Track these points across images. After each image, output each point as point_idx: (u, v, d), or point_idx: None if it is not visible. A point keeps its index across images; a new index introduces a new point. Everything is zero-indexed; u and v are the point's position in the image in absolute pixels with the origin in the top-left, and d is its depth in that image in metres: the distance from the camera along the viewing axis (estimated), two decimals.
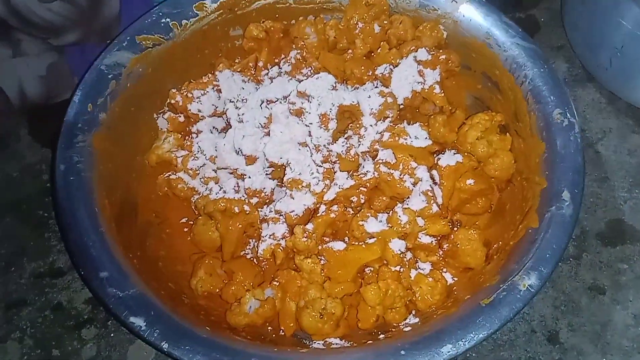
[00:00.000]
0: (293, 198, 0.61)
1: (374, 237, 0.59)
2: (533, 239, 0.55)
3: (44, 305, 0.66)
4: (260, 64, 0.70)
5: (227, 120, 0.67)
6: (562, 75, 0.79)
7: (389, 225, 0.58)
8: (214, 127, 0.68)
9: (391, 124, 0.64)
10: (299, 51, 0.69)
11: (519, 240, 0.56)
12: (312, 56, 0.69)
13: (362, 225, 0.58)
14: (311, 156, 0.63)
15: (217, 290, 0.60)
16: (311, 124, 0.64)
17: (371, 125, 0.64)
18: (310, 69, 0.69)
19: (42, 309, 0.65)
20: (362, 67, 0.67)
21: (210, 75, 0.68)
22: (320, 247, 0.59)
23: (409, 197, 0.60)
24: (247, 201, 0.61)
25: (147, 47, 0.66)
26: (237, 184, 0.64)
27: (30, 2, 0.68)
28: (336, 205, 0.60)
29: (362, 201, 0.62)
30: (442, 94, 0.66)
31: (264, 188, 0.63)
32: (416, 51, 0.66)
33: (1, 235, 0.70)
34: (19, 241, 0.69)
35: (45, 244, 0.69)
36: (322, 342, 0.57)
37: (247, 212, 0.60)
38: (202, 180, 0.65)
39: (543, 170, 0.59)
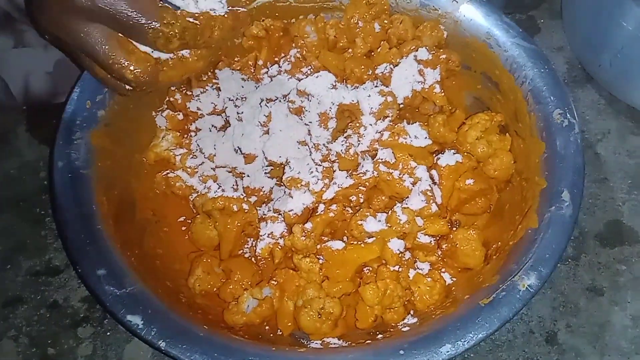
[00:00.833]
0: (292, 197, 0.60)
1: (372, 237, 0.58)
2: (532, 239, 0.54)
3: (39, 303, 0.65)
4: (260, 62, 0.70)
5: (226, 118, 0.67)
6: (561, 76, 0.79)
7: (388, 224, 0.58)
8: (213, 126, 0.67)
9: (391, 124, 0.64)
10: (298, 50, 0.69)
11: (518, 240, 0.56)
12: (312, 55, 0.69)
13: (361, 224, 0.58)
14: (310, 155, 0.63)
15: (215, 289, 0.59)
16: (311, 122, 0.64)
17: (371, 125, 0.64)
18: (310, 67, 0.68)
19: (38, 307, 0.65)
20: (362, 66, 0.67)
21: (209, 73, 0.67)
22: (318, 247, 0.58)
23: (408, 197, 0.60)
24: (245, 200, 0.61)
25: None
26: (236, 182, 0.64)
27: None
28: (335, 205, 0.60)
29: (361, 200, 0.62)
30: (442, 94, 0.65)
31: (263, 187, 0.63)
32: (416, 50, 0.66)
33: None
34: (15, 239, 0.69)
35: (41, 242, 0.69)
36: (320, 341, 0.56)
37: (246, 211, 0.60)
38: (200, 178, 0.65)
39: (543, 170, 0.58)
